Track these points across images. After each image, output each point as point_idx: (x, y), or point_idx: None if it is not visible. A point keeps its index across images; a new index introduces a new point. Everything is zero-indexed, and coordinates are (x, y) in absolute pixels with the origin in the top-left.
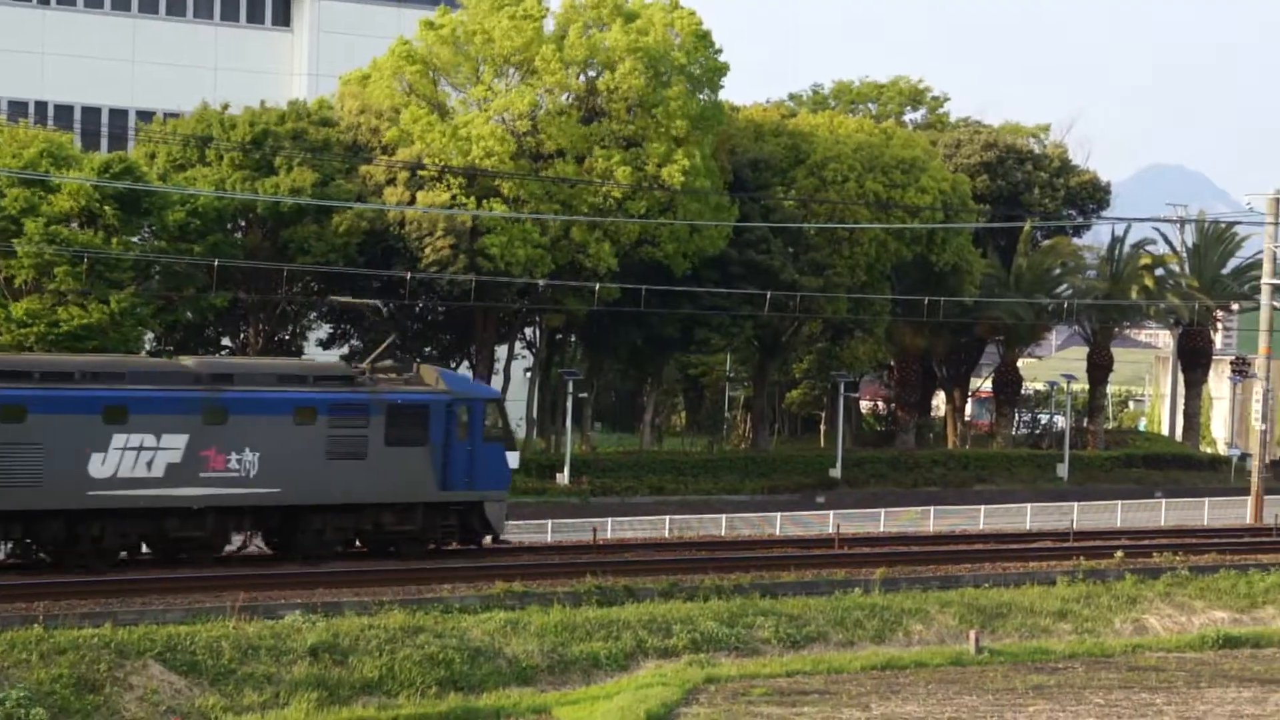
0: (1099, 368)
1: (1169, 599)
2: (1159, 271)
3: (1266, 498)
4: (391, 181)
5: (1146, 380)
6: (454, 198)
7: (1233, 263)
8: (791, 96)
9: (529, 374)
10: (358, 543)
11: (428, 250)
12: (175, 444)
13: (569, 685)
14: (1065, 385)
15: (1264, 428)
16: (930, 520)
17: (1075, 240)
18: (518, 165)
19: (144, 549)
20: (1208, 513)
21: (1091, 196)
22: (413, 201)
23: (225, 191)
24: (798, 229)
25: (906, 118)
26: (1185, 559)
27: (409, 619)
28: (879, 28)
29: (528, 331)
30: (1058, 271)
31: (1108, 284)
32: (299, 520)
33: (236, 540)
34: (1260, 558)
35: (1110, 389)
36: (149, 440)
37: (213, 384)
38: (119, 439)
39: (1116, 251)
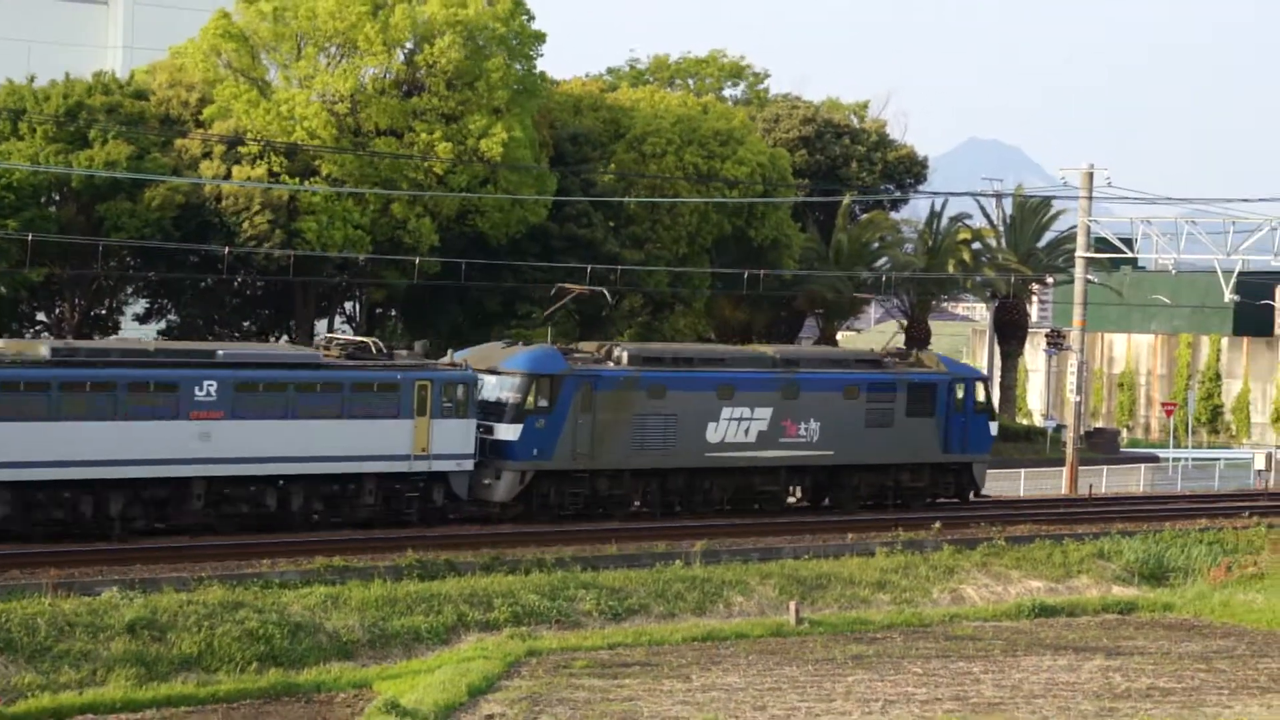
0: (916, 340)
1: (986, 569)
2: (976, 245)
3: (1081, 468)
4: (208, 155)
5: (963, 353)
6: (272, 173)
7: (1048, 236)
8: (610, 71)
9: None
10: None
11: (245, 225)
12: (763, 415)
13: (390, 659)
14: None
15: (1078, 399)
16: None
17: (893, 214)
18: (338, 144)
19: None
20: (1023, 483)
21: (909, 171)
22: (229, 177)
23: (39, 165)
24: (618, 202)
25: (726, 93)
26: (1002, 530)
27: (228, 594)
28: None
29: (348, 306)
30: (876, 245)
31: (925, 258)
32: (841, 477)
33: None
34: (1075, 528)
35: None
36: (746, 412)
37: (788, 367)
38: (727, 411)
39: (934, 225)
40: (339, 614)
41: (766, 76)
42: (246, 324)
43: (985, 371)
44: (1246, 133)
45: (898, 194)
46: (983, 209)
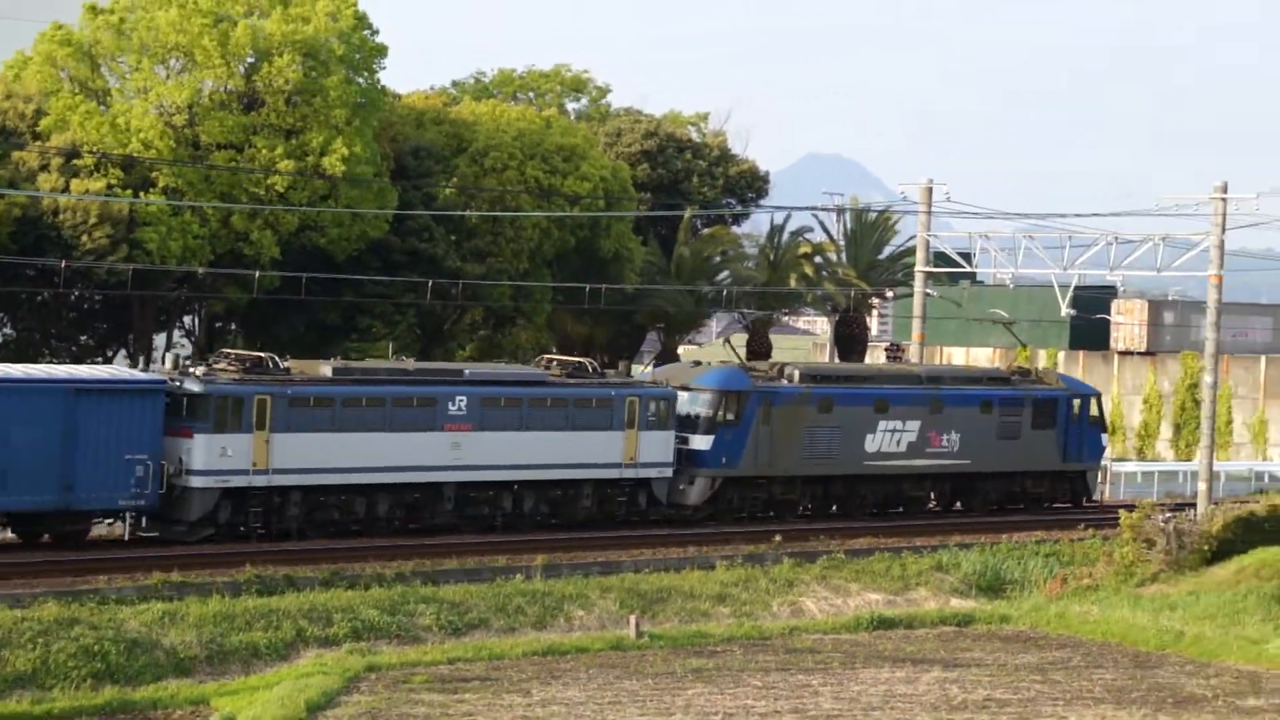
0: (758, 354)
1: (825, 582)
2: (817, 259)
3: None
4: (45, 168)
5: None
6: (111, 187)
7: (888, 250)
8: (455, 84)
9: (187, 362)
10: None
11: (84, 239)
12: (913, 428)
13: (228, 675)
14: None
15: None
16: None
17: (735, 229)
18: (176, 156)
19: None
20: None
21: (750, 185)
22: (67, 189)
23: None
24: (460, 216)
25: (569, 106)
26: (841, 542)
27: (63, 611)
28: (542, 16)
29: (187, 320)
30: (718, 260)
31: (767, 272)
32: (974, 484)
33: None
34: (914, 540)
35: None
36: (899, 425)
37: (933, 384)
38: (883, 424)
39: (775, 240)
40: (176, 630)
41: (609, 91)
42: (84, 338)
43: None
44: (1083, 148)
45: (739, 208)
46: (822, 224)
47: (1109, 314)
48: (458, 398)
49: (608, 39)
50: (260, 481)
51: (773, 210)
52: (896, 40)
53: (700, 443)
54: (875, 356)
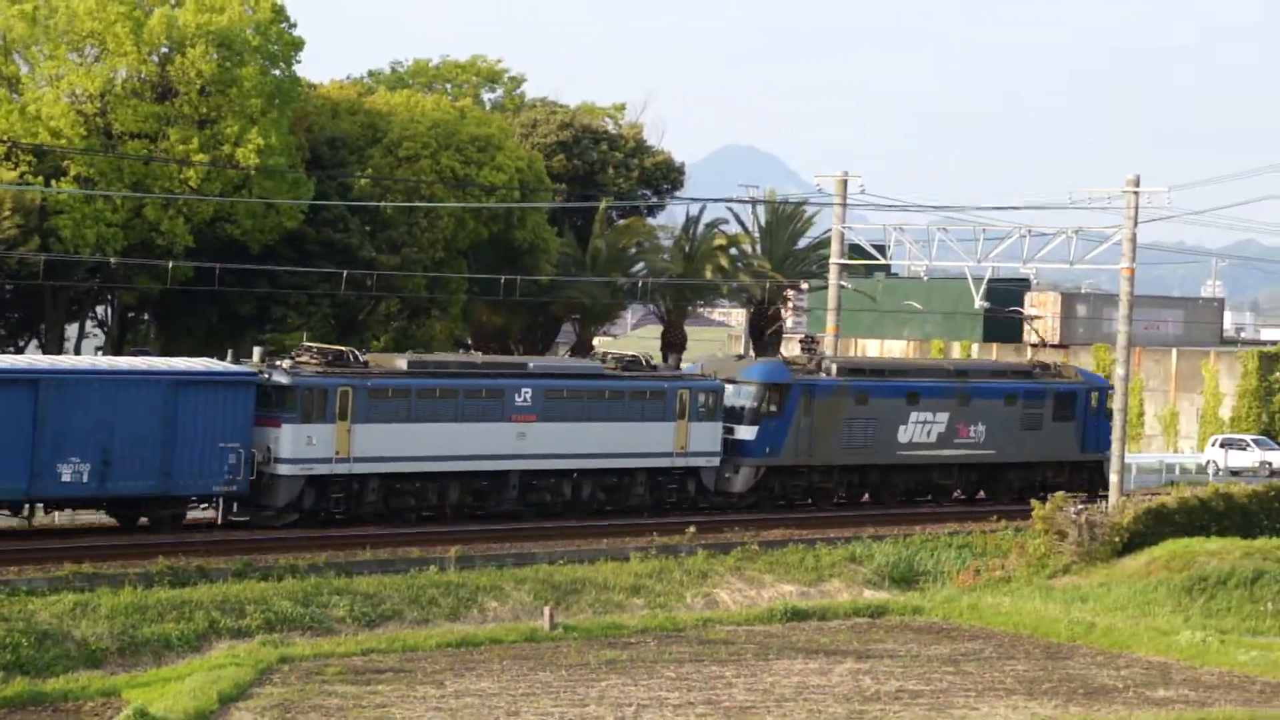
0: (673, 346)
1: (740, 573)
2: (732, 251)
3: None
4: None
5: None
6: (22, 175)
7: (803, 242)
8: (371, 74)
9: (100, 353)
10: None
11: None
12: (942, 419)
13: (140, 667)
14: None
15: None
16: None
17: (650, 220)
18: (89, 145)
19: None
20: None
21: (666, 176)
22: None
23: None
24: (375, 207)
25: (485, 97)
26: (755, 534)
27: None
28: (460, 7)
29: (100, 310)
30: (633, 251)
31: (682, 263)
32: (999, 474)
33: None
34: (827, 532)
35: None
36: (929, 417)
37: (961, 377)
38: (914, 416)
39: (691, 231)
40: (88, 622)
41: (524, 81)
42: None
43: None
44: (995, 145)
45: (655, 200)
46: (738, 216)
47: (1022, 306)
48: (523, 390)
49: (524, 29)
50: (342, 469)
51: (688, 202)
52: (816, 33)
53: (745, 433)
54: (790, 349)
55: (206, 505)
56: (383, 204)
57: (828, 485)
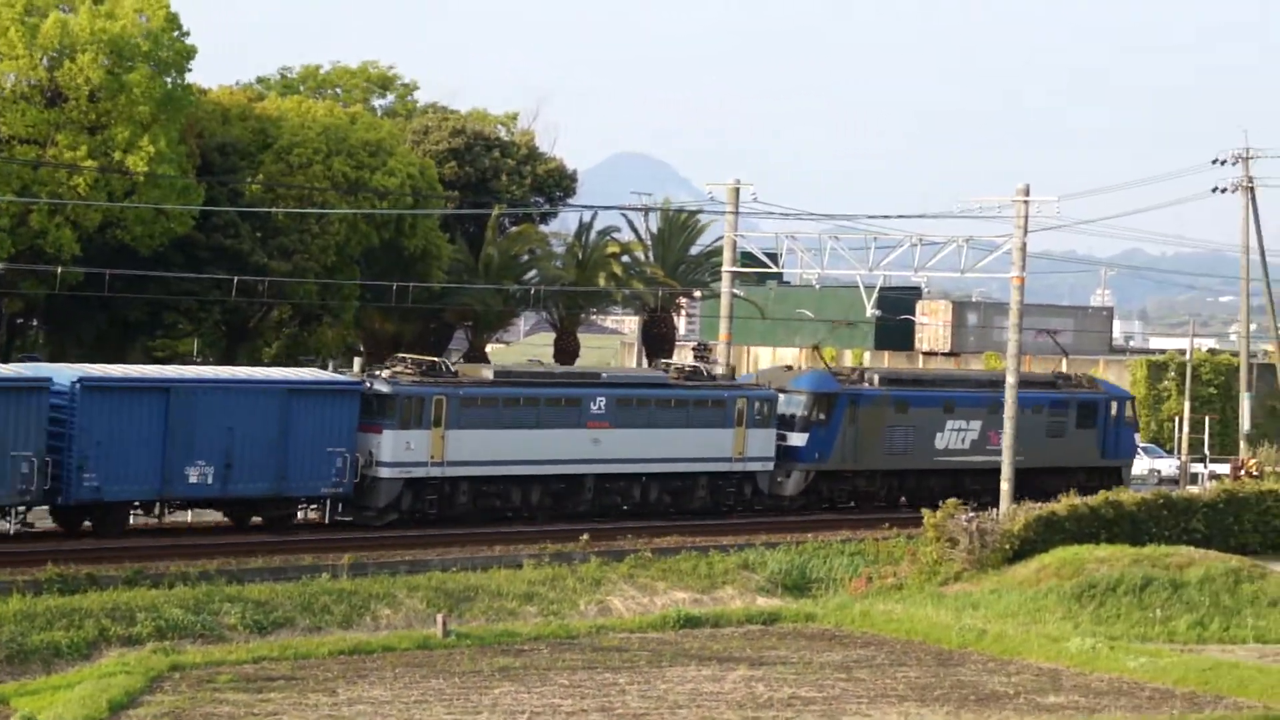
0: (566, 353)
1: (633, 581)
2: (625, 258)
3: None
4: None
5: (611, 365)
6: None
7: (695, 250)
8: (260, 80)
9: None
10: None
11: None
12: (975, 427)
13: (29, 675)
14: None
15: None
16: None
17: (543, 227)
18: None
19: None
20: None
21: (559, 184)
22: None
23: None
24: (266, 213)
25: (376, 103)
26: (649, 541)
27: None
28: (349, 12)
29: None
30: (526, 258)
31: (575, 271)
32: (1026, 479)
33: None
34: (720, 539)
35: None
36: (964, 425)
37: (992, 387)
38: (950, 424)
39: (584, 239)
40: None
41: (416, 87)
42: None
43: None
44: (887, 154)
45: (547, 207)
46: (631, 223)
47: (914, 314)
48: (598, 398)
49: (417, 34)
50: (436, 473)
51: (581, 209)
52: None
53: (797, 439)
54: (683, 356)
55: (315, 506)
56: (274, 210)
57: (871, 489)
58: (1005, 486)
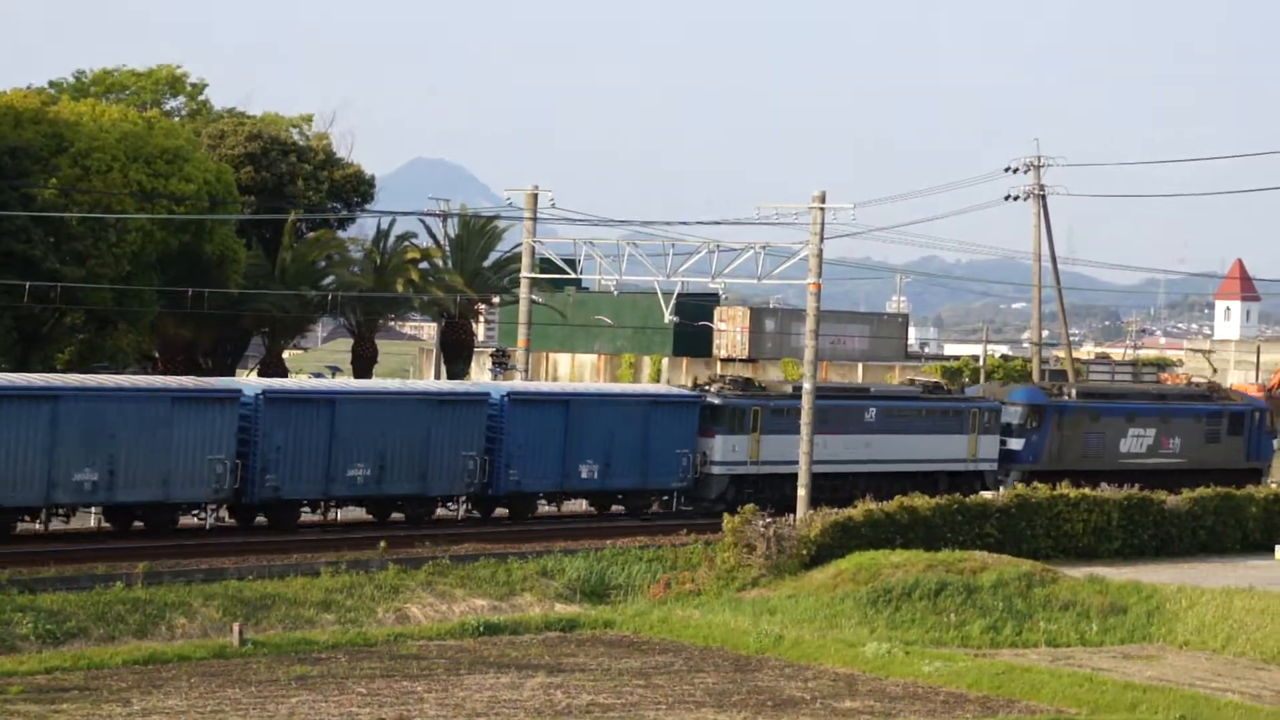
0: (363, 359)
1: (431, 588)
2: (423, 265)
3: None
4: None
5: (410, 372)
6: None
7: (494, 256)
8: (52, 84)
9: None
10: None
11: None
12: (1150, 434)
13: None
14: (331, 375)
15: None
16: None
17: (341, 233)
18: None
19: None
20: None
21: (356, 189)
22: None
23: None
24: (59, 218)
25: (169, 105)
26: (446, 548)
27: None
28: (137, 13)
29: None
30: (323, 264)
31: (373, 277)
32: (1187, 478)
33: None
34: (519, 546)
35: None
36: (1141, 432)
37: (1161, 400)
38: (1131, 431)
39: (381, 245)
40: None
41: (205, 87)
42: None
43: None
44: (687, 156)
45: (345, 213)
46: (429, 229)
47: (711, 321)
48: (870, 409)
49: (209, 35)
50: (753, 470)
51: (379, 215)
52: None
53: (1016, 444)
54: (481, 362)
55: (667, 497)
56: (68, 215)
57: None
58: (802, 493)
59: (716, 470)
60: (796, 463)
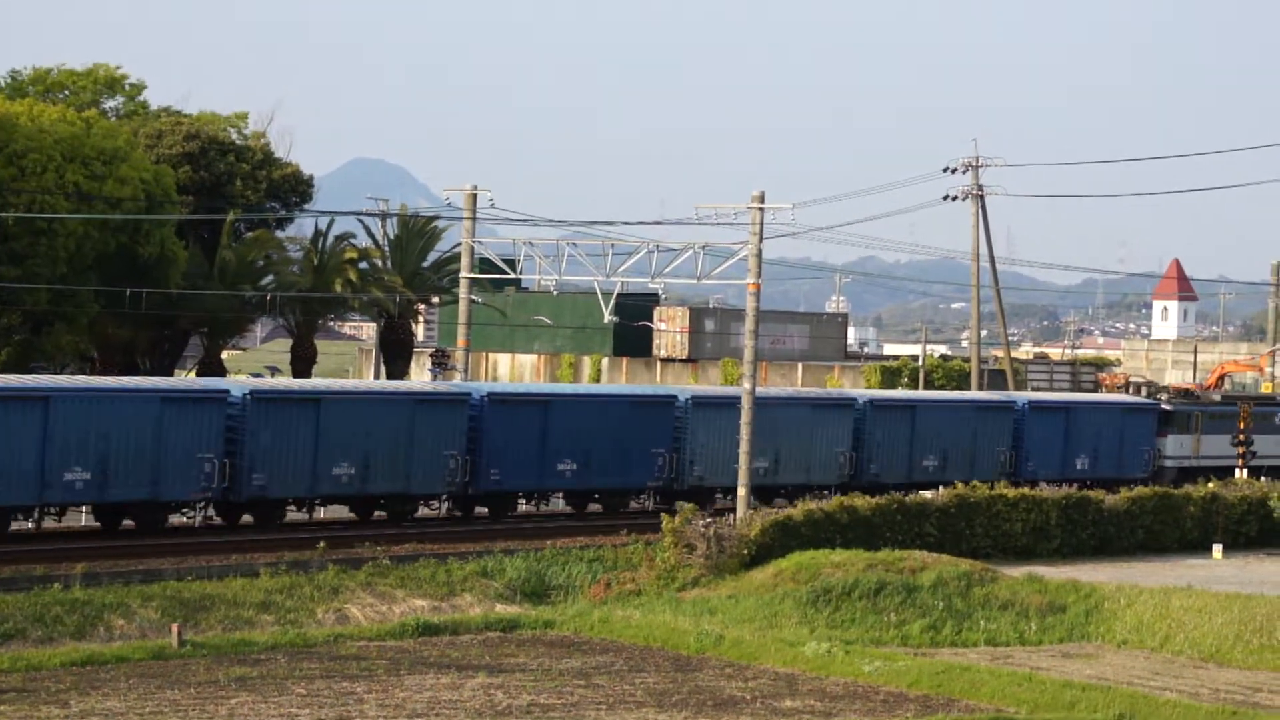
0: (302, 359)
1: (371, 588)
2: (363, 265)
3: None
4: None
5: (350, 372)
6: None
7: (433, 256)
8: None
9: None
10: None
11: None
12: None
13: None
14: (270, 375)
15: None
16: None
17: (280, 233)
18: None
19: None
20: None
21: (295, 189)
22: None
23: None
24: None
25: (106, 105)
26: (386, 549)
27: None
28: (76, 14)
29: None
30: (261, 264)
31: (312, 277)
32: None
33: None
34: (459, 546)
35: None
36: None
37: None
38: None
39: (320, 244)
40: None
41: (143, 87)
42: None
43: None
44: (627, 160)
45: (283, 213)
46: (368, 229)
47: (651, 321)
48: None
49: (140, 35)
50: (1193, 464)
51: (317, 215)
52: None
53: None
54: (421, 362)
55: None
56: (3, 215)
57: None
58: (741, 492)
59: (1169, 464)
60: (1227, 457)
